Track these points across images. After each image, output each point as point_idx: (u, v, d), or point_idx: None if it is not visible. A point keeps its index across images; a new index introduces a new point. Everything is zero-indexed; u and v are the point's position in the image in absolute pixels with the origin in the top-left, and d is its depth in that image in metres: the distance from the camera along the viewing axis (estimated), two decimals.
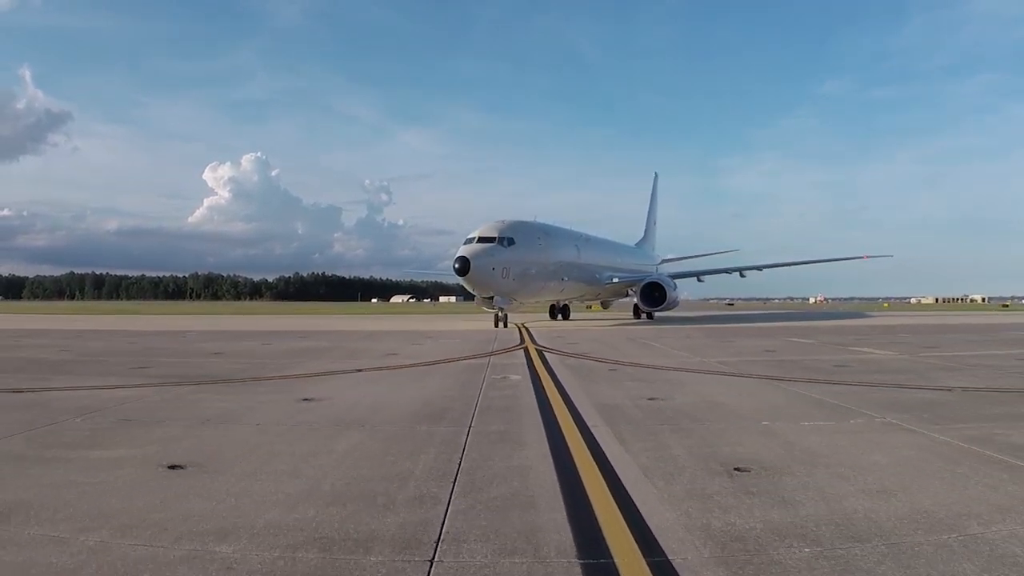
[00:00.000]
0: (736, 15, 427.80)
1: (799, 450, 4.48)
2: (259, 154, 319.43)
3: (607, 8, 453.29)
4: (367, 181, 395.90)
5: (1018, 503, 3.30)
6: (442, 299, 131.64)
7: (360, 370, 9.50)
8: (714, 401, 6.61)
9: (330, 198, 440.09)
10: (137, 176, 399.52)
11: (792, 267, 32.35)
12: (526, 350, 12.64)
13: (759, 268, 31.26)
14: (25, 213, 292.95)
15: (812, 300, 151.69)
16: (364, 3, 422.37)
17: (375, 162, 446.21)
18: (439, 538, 2.82)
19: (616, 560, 2.60)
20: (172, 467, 4.04)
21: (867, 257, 33.31)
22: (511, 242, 22.12)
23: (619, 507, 3.24)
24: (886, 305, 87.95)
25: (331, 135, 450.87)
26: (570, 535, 2.87)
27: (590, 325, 24.72)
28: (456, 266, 20.66)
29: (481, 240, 21.80)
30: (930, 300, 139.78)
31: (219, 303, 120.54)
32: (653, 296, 26.82)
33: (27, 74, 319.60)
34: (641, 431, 5.10)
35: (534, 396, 6.92)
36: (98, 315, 39.89)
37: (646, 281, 27.93)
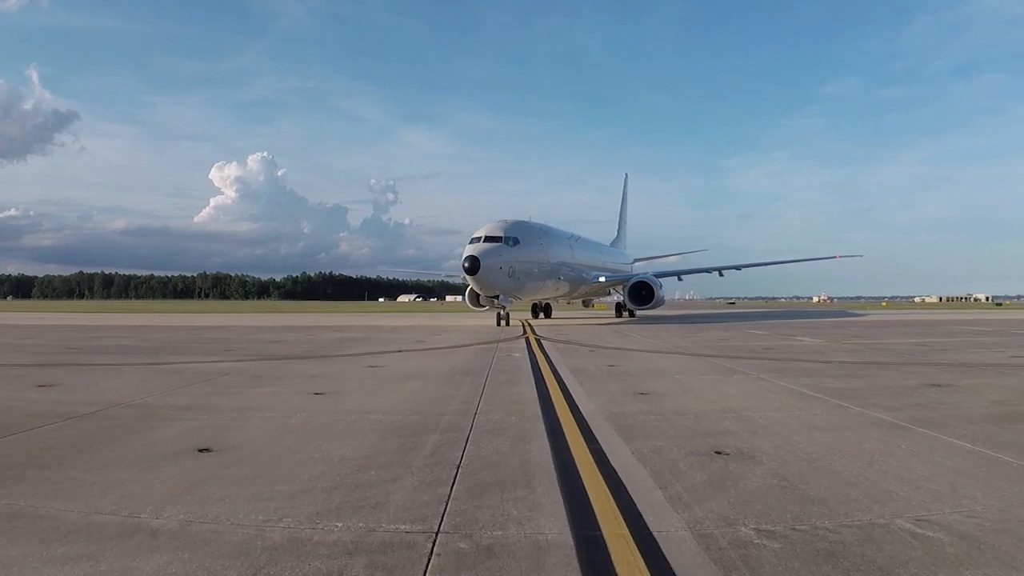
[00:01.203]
0: (743, 16, 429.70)
1: (683, 387, 7.58)
2: (265, 154, 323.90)
3: (614, 9, 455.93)
4: (373, 181, 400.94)
5: (790, 406, 6.40)
6: (448, 298, 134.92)
7: (399, 351, 12.67)
8: (652, 367, 9.73)
9: (336, 198, 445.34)
10: (144, 176, 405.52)
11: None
12: (527, 339, 15.74)
13: (737, 268, 32.69)
14: (32, 213, 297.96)
15: (816, 299, 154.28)
16: (371, 4, 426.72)
17: (381, 162, 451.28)
18: (476, 411, 5.93)
19: (560, 419, 5.68)
20: (316, 394, 7.17)
21: (839, 257, 35.84)
22: (516, 242, 22.66)
23: (567, 405, 6.34)
24: (885, 304, 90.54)
25: (337, 135, 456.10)
26: (539, 412, 5.97)
27: (578, 322, 27.17)
28: (466, 265, 21.01)
29: (488, 240, 22.17)
30: (934, 299, 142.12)
31: (228, 302, 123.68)
32: (640, 295, 27.79)
33: (34, 74, 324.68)
34: (595, 380, 8.21)
35: (529, 364, 10.04)
36: (123, 313, 43.07)
37: (634, 280, 28.89)
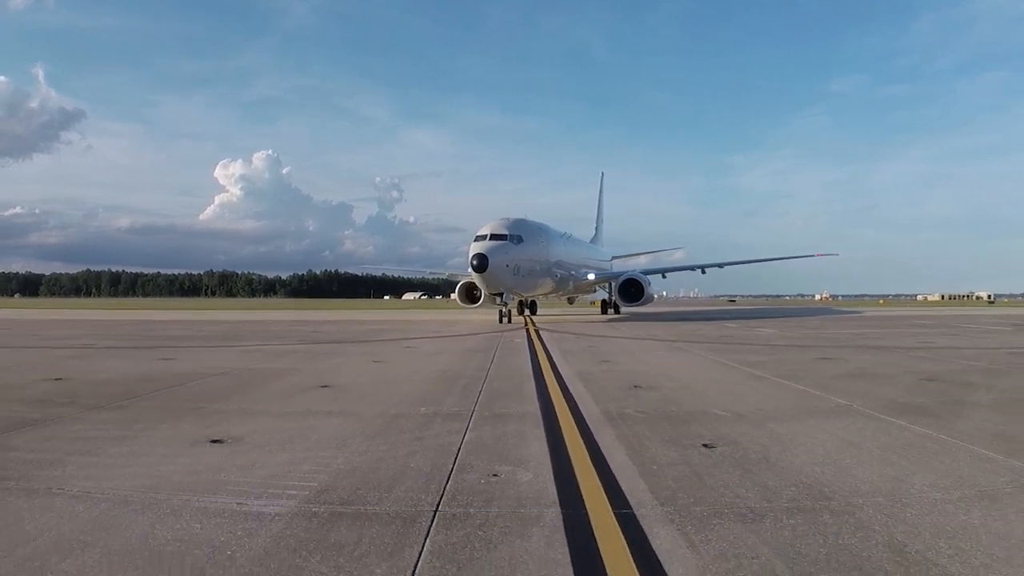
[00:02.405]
0: (747, 13, 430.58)
1: (637, 359, 10.50)
2: (270, 151, 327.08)
3: (617, 6, 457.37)
4: (378, 179, 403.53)
5: (705, 368, 9.32)
6: (453, 296, 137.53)
7: (424, 337, 15.61)
8: (621, 348, 12.63)
9: (341, 196, 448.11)
10: (149, 174, 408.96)
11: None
12: (527, 329, 18.64)
13: (720, 265, 33.85)
14: (37, 211, 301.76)
15: (818, 297, 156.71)
16: (375, 2, 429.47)
17: (385, 160, 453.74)
18: (488, 370, 8.86)
19: (544, 375, 8.57)
20: (376, 362, 10.11)
21: (819, 255, 38.09)
22: (520, 240, 23.07)
23: (551, 368, 9.25)
24: (882, 302, 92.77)
25: (342, 133, 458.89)
26: (531, 373, 8.88)
27: (568, 318, 28.80)
28: (474, 263, 21.21)
29: (493, 237, 22.45)
30: (936, 297, 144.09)
31: (236, 300, 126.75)
32: (630, 292, 28.35)
33: (40, 73, 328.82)
34: (575, 355, 11.11)
35: (527, 346, 12.94)
36: (141, 310, 45.85)
37: (624, 277, 29.37)
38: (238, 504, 3.28)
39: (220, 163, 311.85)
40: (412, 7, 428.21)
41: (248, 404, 6.38)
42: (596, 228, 45.52)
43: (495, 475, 3.81)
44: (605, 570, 2.53)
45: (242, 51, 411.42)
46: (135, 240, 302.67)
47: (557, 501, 3.34)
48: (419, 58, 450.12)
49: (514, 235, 22.94)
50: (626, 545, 2.75)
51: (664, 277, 34.49)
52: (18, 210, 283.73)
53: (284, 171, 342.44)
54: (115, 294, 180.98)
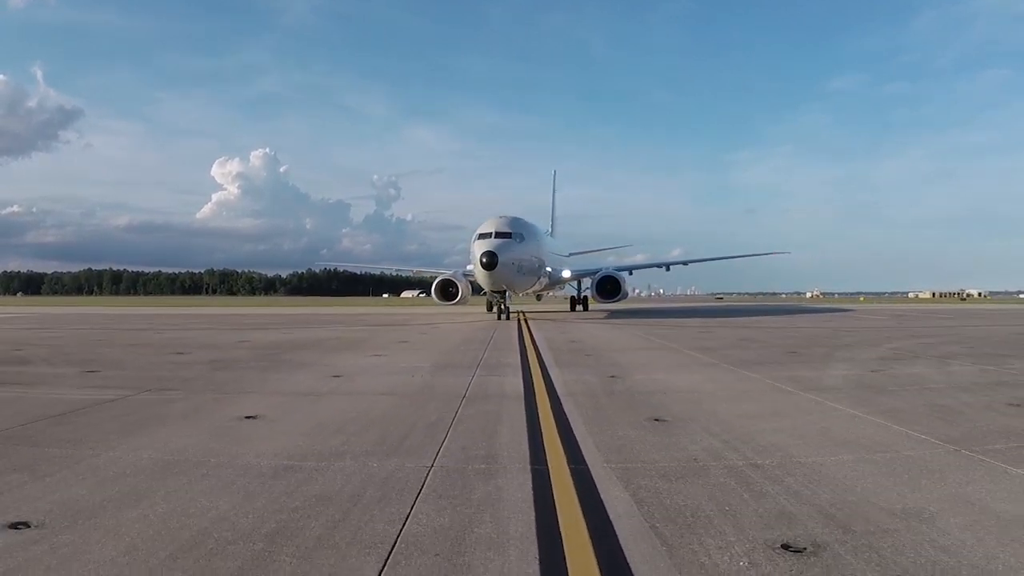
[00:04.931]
0: (747, 11, 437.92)
1: (592, 335, 16.51)
2: (267, 150, 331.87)
3: (617, 5, 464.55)
4: (375, 176, 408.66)
5: (633, 338, 15.35)
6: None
7: (440, 324, 21.59)
8: (585, 329, 18.62)
9: (339, 194, 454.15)
10: (148, 172, 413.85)
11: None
12: (518, 319, 24.59)
13: (684, 263, 35.93)
14: (35, 210, 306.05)
15: (809, 295, 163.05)
16: (375, 1, 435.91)
17: (386, 158, 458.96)
18: (491, 339, 14.83)
19: (526, 342, 14.51)
20: (421, 334, 16.12)
21: (776, 253, 42.14)
22: (522, 238, 23.69)
23: (532, 344, 15.22)
24: (863, 299, 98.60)
25: (342, 131, 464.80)
26: (517, 346, 14.84)
27: (546, 313, 31.29)
28: (483, 260, 21.45)
29: (499, 235, 22.75)
30: (927, 294, 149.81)
31: (239, 298, 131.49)
32: (606, 288, 28.84)
33: (39, 72, 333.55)
34: (549, 332, 17.09)
35: (517, 332, 18.89)
36: (156, 307, 51.11)
37: (601, 274, 29.75)
38: (404, 368, 9.28)
39: (217, 161, 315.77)
40: (412, 5, 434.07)
41: (372, 348, 12.38)
42: (552, 224, 45.46)
43: (500, 362, 9.81)
44: (528, 357, 8.50)
45: (242, 49, 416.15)
46: (133, 239, 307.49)
47: (519, 365, 9.34)
48: (420, 56, 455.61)
49: (517, 233, 23.64)
50: (543, 379, 8.71)
51: (630, 274, 34.42)
52: (16, 208, 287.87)
53: (282, 169, 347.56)
54: (116, 293, 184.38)
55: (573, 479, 3.84)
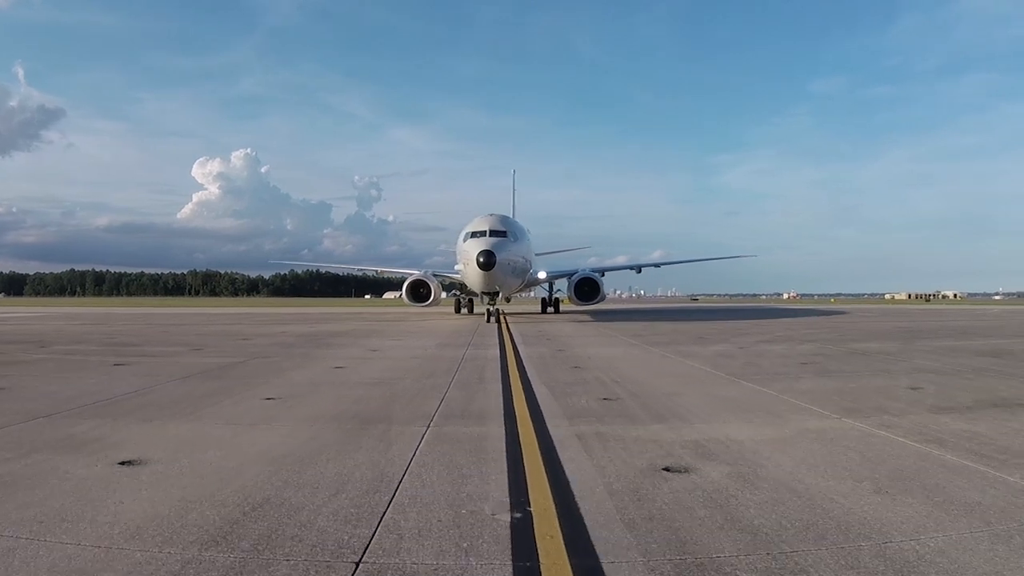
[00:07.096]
0: (732, 14, 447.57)
1: (558, 330, 20.65)
2: (249, 150, 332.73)
3: (605, 6, 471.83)
4: (357, 177, 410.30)
5: (587, 331, 19.49)
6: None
7: (433, 320, 25.54)
8: (558, 328, 22.70)
9: (321, 194, 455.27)
10: (129, 172, 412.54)
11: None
12: (498, 317, 28.55)
13: (656, 265, 37.58)
14: (15, 209, 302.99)
15: (786, 296, 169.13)
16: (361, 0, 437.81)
17: (369, 159, 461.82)
18: (476, 330, 18.87)
19: (504, 335, 18.52)
20: (408, 332, 20.11)
21: (743, 256, 46.59)
22: (516, 238, 23.53)
23: (508, 336, 19.25)
24: (833, 300, 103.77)
25: (326, 132, 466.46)
26: (498, 332, 18.88)
27: (521, 314, 34.06)
28: (480, 260, 20.82)
29: (493, 234, 22.33)
30: (903, 296, 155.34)
31: (223, 299, 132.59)
32: (584, 290, 28.56)
33: (20, 71, 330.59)
34: (524, 327, 21.15)
35: (496, 328, 22.87)
36: (149, 308, 54.28)
37: (579, 276, 29.21)
38: (418, 346, 13.32)
39: (198, 161, 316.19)
40: (399, 5, 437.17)
41: (387, 336, 16.33)
42: None
43: (483, 343, 13.85)
44: (504, 339, 12.53)
45: (226, 48, 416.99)
46: (113, 239, 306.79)
47: (498, 344, 13.38)
48: (405, 57, 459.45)
49: (510, 232, 23.41)
50: (513, 350, 12.73)
51: (602, 275, 32.27)
52: None
53: (263, 169, 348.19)
54: (99, 293, 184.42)
55: (522, 385, 7.94)
